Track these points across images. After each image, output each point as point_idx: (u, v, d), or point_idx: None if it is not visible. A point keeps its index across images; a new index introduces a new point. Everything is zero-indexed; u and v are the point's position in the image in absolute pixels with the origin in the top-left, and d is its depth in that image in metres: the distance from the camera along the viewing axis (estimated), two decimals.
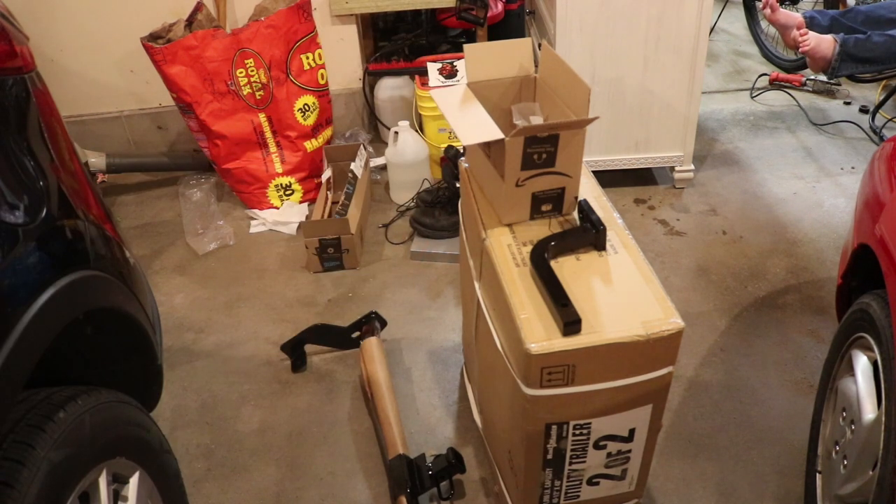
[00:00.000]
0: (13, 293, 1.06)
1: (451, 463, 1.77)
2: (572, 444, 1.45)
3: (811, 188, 2.92)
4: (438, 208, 2.66)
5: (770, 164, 3.08)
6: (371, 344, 2.08)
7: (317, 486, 1.88)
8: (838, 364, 1.71)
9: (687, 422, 2.00)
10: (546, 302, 1.37)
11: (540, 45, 1.74)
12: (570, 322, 1.30)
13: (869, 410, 1.46)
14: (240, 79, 2.65)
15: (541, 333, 1.31)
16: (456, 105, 1.60)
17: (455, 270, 2.55)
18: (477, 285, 1.64)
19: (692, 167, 2.89)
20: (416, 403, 2.08)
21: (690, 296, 2.40)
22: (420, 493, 1.75)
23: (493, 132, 1.46)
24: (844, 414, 1.59)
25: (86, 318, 1.33)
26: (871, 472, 1.39)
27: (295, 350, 2.21)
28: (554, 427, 1.41)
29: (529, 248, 1.49)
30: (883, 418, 1.36)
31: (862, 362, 1.55)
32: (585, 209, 1.55)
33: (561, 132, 1.46)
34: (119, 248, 1.46)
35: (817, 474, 1.72)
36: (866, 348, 1.56)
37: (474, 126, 1.51)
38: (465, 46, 1.68)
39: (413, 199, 2.81)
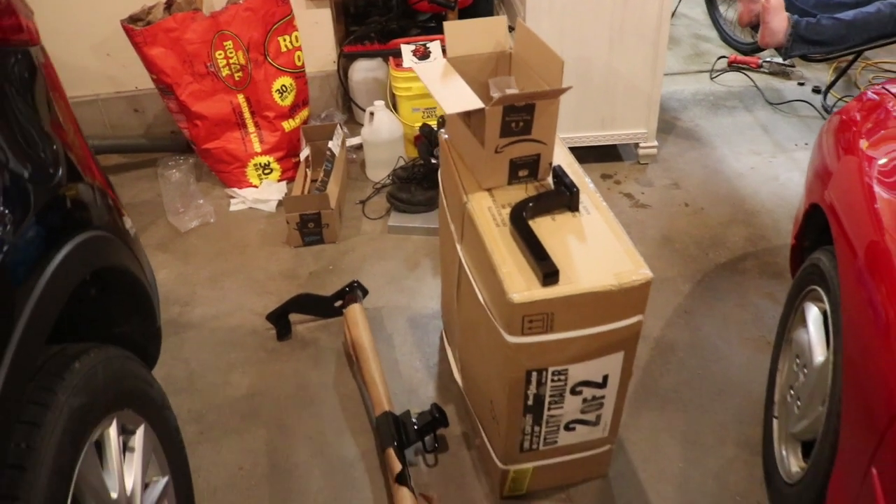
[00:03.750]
0: (39, 246, 1.14)
1: (435, 417, 1.87)
2: (551, 390, 1.56)
3: (767, 163, 3.07)
4: (414, 184, 2.75)
5: (729, 140, 3.23)
6: (354, 310, 2.17)
7: (306, 446, 1.97)
8: (792, 317, 1.84)
9: (654, 377, 2.13)
10: (525, 257, 1.48)
11: (513, 26, 1.84)
12: (548, 273, 1.41)
13: (819, 354, 1.59)
14: (219, 60, 2.72)
15: (522, 285, 1.42)
16: (437, 78, 1.69)
17: (431, 243, 2.65)
18: (459, 247, 1.74)
19: (656, 143, 3.02)
20: (398, 367, 2.18)
21: (656, 263, 2.52)
22: (406, 446, 1.85)
23: (474, 102, 1.56)
24: (798, 361, 1.72)
25: (91, 279, 1.41)
26: (820, 408, 1.52)
27: (280, 319, 2.29)
28: (534, 373, 1.52)
29: (508, 209, 1.59)
30: (831, 358, 1.49)
31: (813, 312, 1.69)
32: (559, 174, 1.66)
33: (537, 101, 1.57)
34: (119, 214, 1.54)
35: (774, 419, 1.86)
36: (817, 300, 1.69)
37: (456, 96, 1.60)
38: (445, 24, 1.77)
39: (389, 175, 2.90)
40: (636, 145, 3.04)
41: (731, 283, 2.45)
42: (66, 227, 1.25)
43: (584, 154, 3.04)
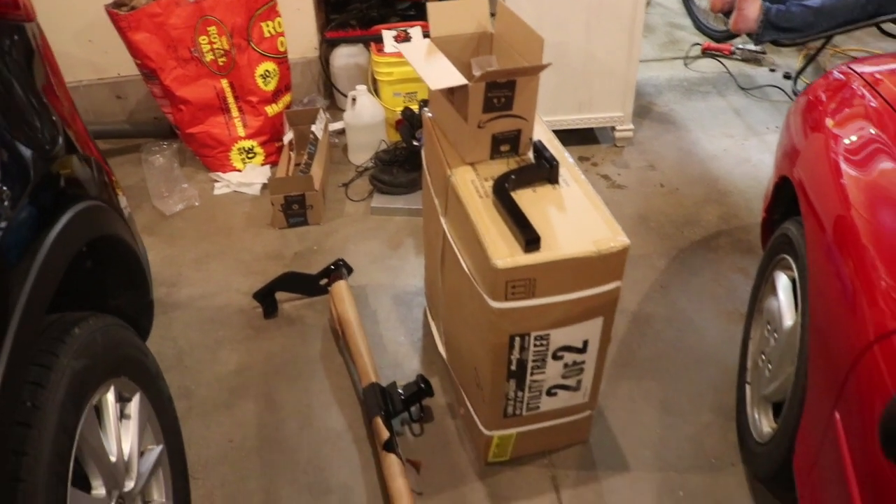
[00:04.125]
0: (40, 215, 1.18)
1: (421, 388, 1.93)
2: (533, 355, 1.62)
3: (740, 145, 3.16)
4: (396, 166, 2.80)
5: (702, 124, 3.31)
6: (340, 286, 2.22)
7: (295, 418, 2.02)
8: (763, 286, 1.92)
9: (632, 349, 2.20)
10: (508, 225, 1.54)
11: (493, 13, 1.89)
12: (530, 240, 1.47)
13: (788, 318, 1.67)
14: (203, 45, 2.75)
15: (505, 251, 1.48)
16: (422, 57, 1.74)
17: (414, 223, 2.70)
18: (443, 220, 1.79)
19: (632, 127, 3.09)
20: (383, 341, 2.23)
21: (633, 240, 2.55)
22: (393, 416, 1.90)
23: (458, 78, 1.62)
24: (769, 327, 1.80)
25: (87, 251, 1.45)
26: (790, 369, 1.60)
27: (266, 298, 2.33)
28: (517, 339, 1.58)
29: (491, 182, 1.65)
30: (799, 320, 1.56)
31: (783, 280, 1.77)
32: (539, 148, 1.73)
33: (518, 78, 1.62)
34: (114, 190, 1.57)
35: (746, 385, 1.94)
36: (786, 268, 1.77)
37: (440, 74, 1.65)
38: (429, 5, 1.82)
39: (371, 158, 2.94)
40: (613, 128, 3.11)
41: (706, 259, 2.53)
42: (64, 197, 1.29)
43: (563, 137, 3.02)
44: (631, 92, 3.00)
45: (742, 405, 1.93)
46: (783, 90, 3.55)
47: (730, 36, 3.87)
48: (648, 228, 2.67)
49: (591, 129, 3.19)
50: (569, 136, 3.12)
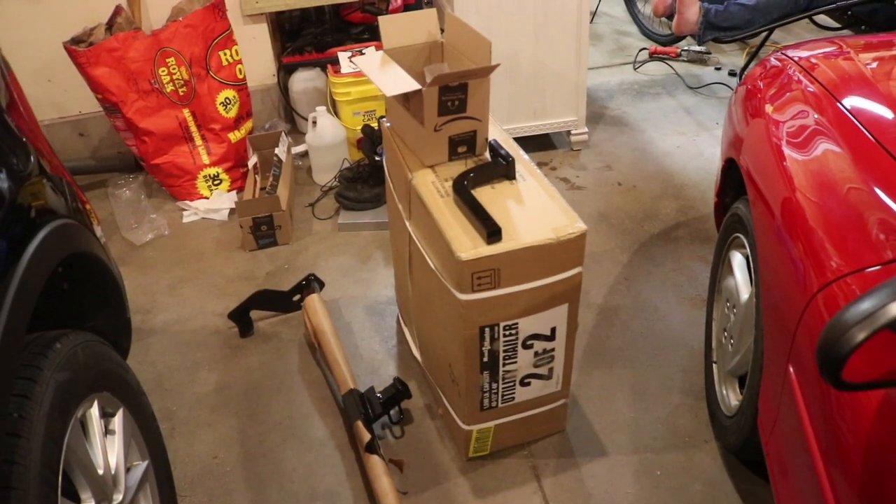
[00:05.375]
0: (17, 233, 1.22)
1: (399, 390, 1.96)
2: (504, 345, 1.67)
3: (692, 141, 3.26)
4: (360, 183, 2.85)
5: (655, 124, 3.41)
6: (313, 300, 2.25)
7: (277, 430, 2.05)
8: (721, 267, 1.99)
9: (601, 340, 2.26)
10: (470, 220, 1.60)
11: (443, 28, 1.96)
12: (492, 232, 1.53)
13: (745, 292, 1.74)
14: (162, 77, 2.79)
15: (468, 244, 1.54)
16: (377, 67, 1.81)
17: (381, 237, 2.75)
18: (408, 224, 1.85)
19: (586, 130, 3.18)
20: (359, 351, 2.27)
21: (595, 238, 2.67)
22: (373, 420, 1.93)
23: (412, 84, 1.68)
24: (728, 304, 1.87)
25: (63, 271, 1.48)
26: (750, 340, 1.67)
27: (241, 317, 2.36)
28: (487, 329, 1.63)
29: (451, 182, 1.71)
30: (754, 291, 1.63)
31: (738, 259, 1.85)
32: (495, 147, 1.80)
33: (469, 80, 1.69)
34: (87, 214, 1.61)
35: (713, 365, 2.00)
36: (740, 247, 1.85)
37: (395, 81, 1.72)
38: (380, 18, 1.89)
39: (335, 177, 2.99)
40: (568, 133, 3.19)
41: (666, 250, 2.61)
42: (38, 216, 1.33)
43: (521, 144, 3.01)
44: (582, 96, 3.08)
45: (710, 383, 1.99)
46: (729, 87, 3.67)
47: (675, 39, 4.00)
48: (609, 225, 2.75)
49: (547, 135, 3.26)
50: (526, 143, 3.15)
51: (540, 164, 3.13)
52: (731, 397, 1.85)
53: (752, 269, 1.69)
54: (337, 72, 3.04)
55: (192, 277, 2.64)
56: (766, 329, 1.46)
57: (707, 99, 3.61)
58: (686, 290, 2.42)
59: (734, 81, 3.72)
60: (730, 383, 1.87)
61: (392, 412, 2.01)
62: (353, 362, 2.18)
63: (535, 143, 3.21)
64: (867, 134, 1.40)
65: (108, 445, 1.44)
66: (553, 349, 1.74)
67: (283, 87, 3.40)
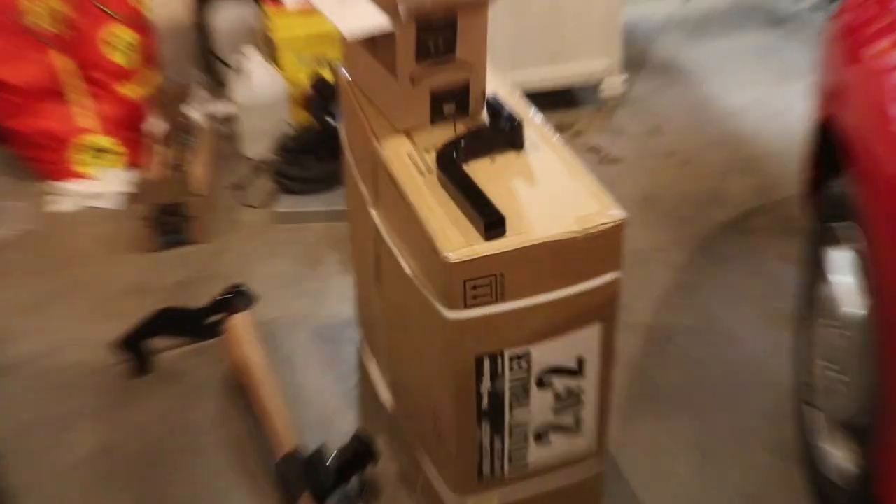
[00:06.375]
0: None
1: (361, 451, 1.88)
2: (510, 383, 1.58)
3: (771, 94, 3.22)
4: (307, 156, 2.81)
5: (719, 71, 3.38)
6: (239, 322, 2.19)
7: None
8: (817, 269, 1.91)
9: (650, 375, 2.19)
10: (462, 207, 1.52)
11: None
12: (492, 222, 1.45)
13: (857, 306, 1.67)
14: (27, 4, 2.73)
15: (459, 240, 1.45)
16: None
17: (336, 231, 2.68)
18: (374, 212, 1.78)
19: (623, 79, 3.14)
20: (304, 393, 2.20)
21: (638, 232, 2.56)
22: (325, 494, 1.83)
23: (380, 19, 1.58)
24: (832, 322, 1.79)
25: None
26: (869, 375, 1.56)
27: (135, 348, 2.28)
28: (486, 360, 1.54)
29: (434, 153, 1.63)
30: (871, 303, 1.54)
31: (843, 258, 1.78)
32: (495, 105, 1.72)
33: (459, 11, 1.61)
34: None
35: (812, 410, 1.92)
36: (846, 241, 1.78)
37: (356, 18, 1.62)
38: None
39: (273, 148, 2.95)
40: (598, 85, 3.15)
41: (738, 246, 2.55)
42: None
43: (531, 101, 3.10)
44: (617, 34, 3.04)
45: (808, 436, 1.92)
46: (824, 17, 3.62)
47: None
48: (658, 213, 2.69)
49: (569, 89, 3.23)
50: (540, 100, 3.07)
51: (559, 128, 3.05)
52: (842, 457, 1.77)
53: (867, 273, 1.61)
54: (276, 2, 3.02)
55: (65, 291, 2.58)
56: (892, 359, 1.36)
57: (792, 35, 3.58)
58: (769, 303, 2.36)
59: (831, 9, 3.66)
60: (839, 437, 1.79)
61: (351, 483, 1.91)
62: (295, 410, 2.09)
63: (552, 100, 3.13)
64: None
65: None
66: (581, 389, 1.66)
67: (202, 26, 3.35)
